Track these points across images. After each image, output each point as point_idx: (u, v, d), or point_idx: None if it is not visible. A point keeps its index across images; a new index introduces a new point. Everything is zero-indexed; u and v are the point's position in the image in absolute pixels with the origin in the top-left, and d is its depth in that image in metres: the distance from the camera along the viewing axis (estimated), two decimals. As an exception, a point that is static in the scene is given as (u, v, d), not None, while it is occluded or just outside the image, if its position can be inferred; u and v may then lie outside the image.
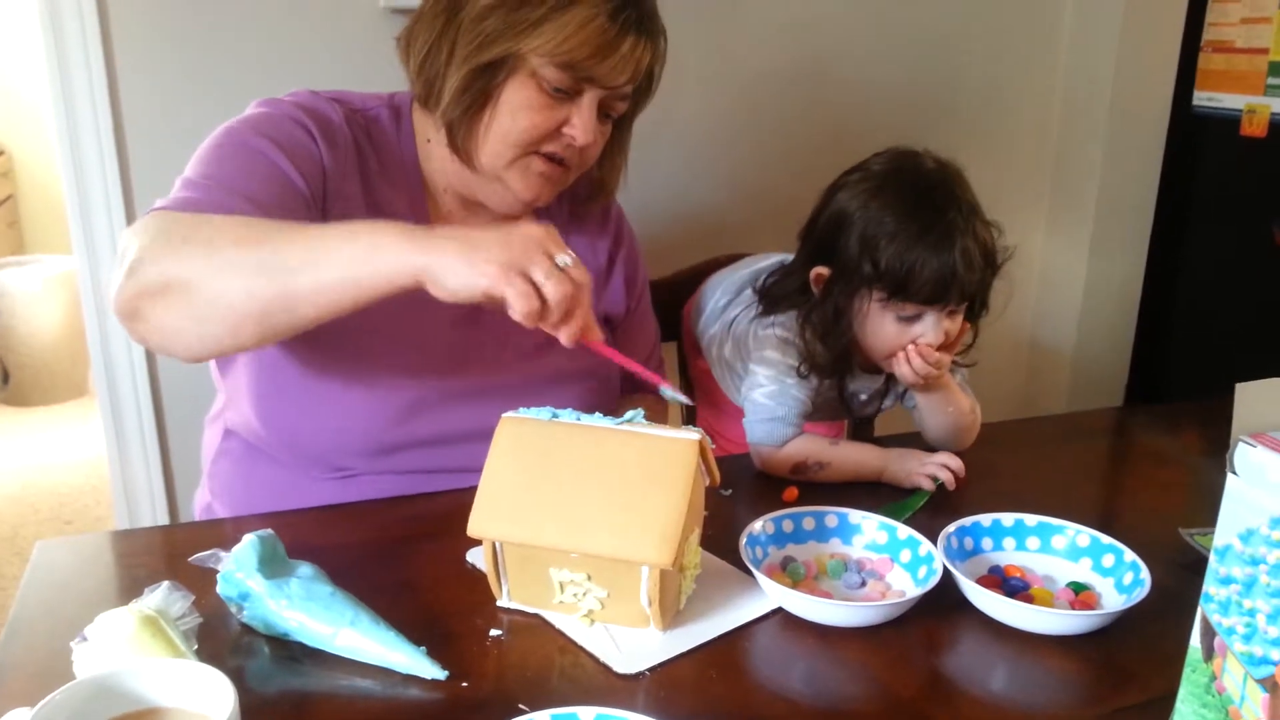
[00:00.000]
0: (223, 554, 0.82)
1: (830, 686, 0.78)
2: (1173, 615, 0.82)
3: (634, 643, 0.82)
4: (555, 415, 0.87)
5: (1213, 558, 0.65)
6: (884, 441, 1.21)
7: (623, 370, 1.26)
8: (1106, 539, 0.94)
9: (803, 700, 0.76)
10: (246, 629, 0.81)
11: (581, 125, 1.03)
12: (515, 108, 1.02)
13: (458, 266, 0.79)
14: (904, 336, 1.12)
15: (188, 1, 1.58)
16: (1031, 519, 0.97)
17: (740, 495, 1.11)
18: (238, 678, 0.61)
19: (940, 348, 1.12)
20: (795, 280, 1.21)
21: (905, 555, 0.93)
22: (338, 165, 1.04)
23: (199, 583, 0.81)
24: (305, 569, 0.82)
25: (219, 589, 0.81)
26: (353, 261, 0.81)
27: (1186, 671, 0.68)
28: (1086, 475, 1.25)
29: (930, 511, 1.07)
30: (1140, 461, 1.33)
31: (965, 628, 0.86)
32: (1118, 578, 0.91)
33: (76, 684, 0.59)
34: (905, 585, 0.91)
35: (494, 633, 0.83)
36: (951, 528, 0.94)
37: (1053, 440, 1.34)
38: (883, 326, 1.13)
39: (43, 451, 3.16)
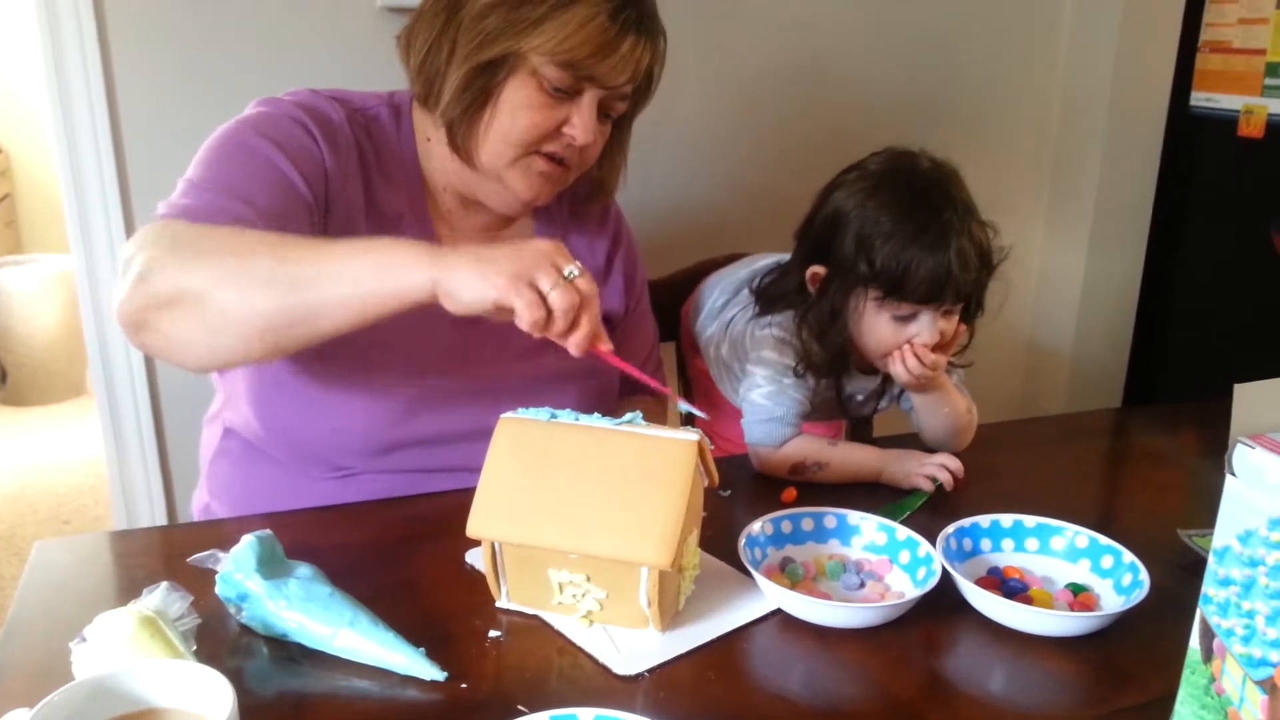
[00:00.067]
0: (221, 555, 0.82)
1: (829, 688, 0.78)
2: (1171, 616, 0.82)
3: (633, 644, 0.82)
4: (554, 416, 0.87)
5: (1211, 559, 0.65)
6: (882, 442, 1.21)
7: (621, 374, 1.26)
8: (1105, 540, 0.94)
9: (801, 701, 0.76)
10: (245, 630, 0.81)
11: (581, 125, 1.03)
12: (515, 107, 1.02)
13: (470, 279, 0.80)
14: (899, 336, 1.13)
15: (185, 1, 1.58)
16: (1030, 520, 0.97)
17: (739, 496, 1.11)
18: (236, 679, 0.61)
19: (936, 348, 1.12)
20: (792, 280, 1.21)
21: (904, 556, 0.93)
22: (339, 166, 1.04)
23: (198, 583, 0.81)
24: (304, 570, 0.82)
25: (218, 590, 0.81)
26: (369, 277, 0.82)
27: (1185, 673, 0.68)
28: (1085, 476, 1.25)
29: (929, 512, 1.07)
30: (1139, 462, 1.33)
31: (964, 629, 0.86)
32: (1116, 579, 0.91)
33: (75, 685, 0.59)
34: (904, 586, 0.91)
35: (493, 634, 0.83)
36: (950, 529, 0.94)
37: (1051, 441, 1.34)
38: (878, 326, 1.13)
39: (40, 451, 3.16)
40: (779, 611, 0.87)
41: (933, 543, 0.91)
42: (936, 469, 1.11)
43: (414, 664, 0.76)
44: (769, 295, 1.24)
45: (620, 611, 0.83)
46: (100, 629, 0.69)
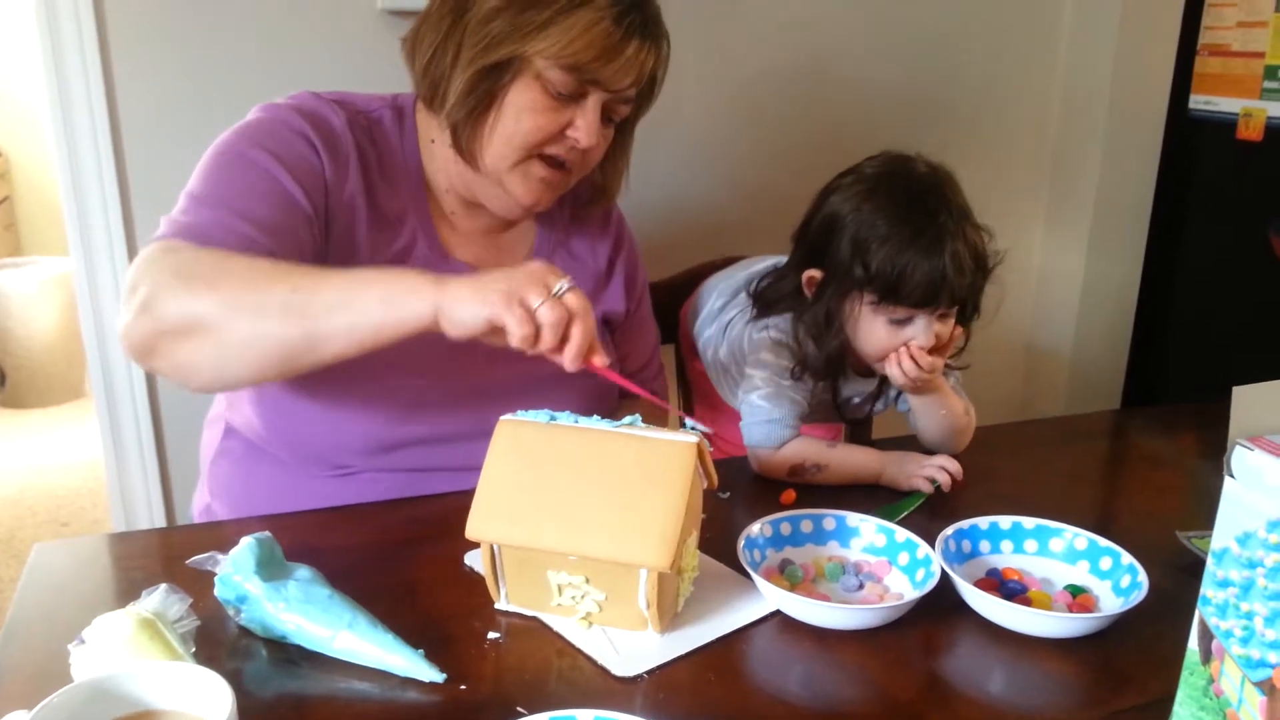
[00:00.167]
0: (220, 556, 0.82)
1: (828, 689, 0.78)
2: (1170, 618, 0.82)
3: (632, 645, 0.82)
4: (553, 418, 0.87)
5: (1210, 560, 0.65)
6: (881, 444, 1.22)
7: (621, 374, 1.26)
8: (1104, 542, 0.94)
9: (800, 703, 0.76)
10: (244, 632, 0.81)
11: (585, 127, 1.03)
12: (520, 109, 1.02)
13: (467, 298, 0.82)
14: (895, 339, 1.13)
15: (184, 3, 1.58)
16: (1029, 522, 0.97)
17: (738, 498, 1.11)
18: (235, 680, 0.61)
19: (932, 350, 1.13)
20: (788, 283, 1.21)
21: (903, 558, 0.93)
22: (339, 175, 1.05)
23: (196, 585, 0.81)
24: (303, 572, 0.82)
25: (217, 592, 0.81)
26: (375, 307, 0.84)
27: (1184, 674, 0.68)
28: (1084, 478, 1.25)
29: (928, 514, 1.07)
30: (1138, 464, 1.33)
31: (963, 630, 0.86)
32: (1115, 580, 0.91)
33: (74, 687, 0.59)
34: (903, 588, 0.91)
35: (492, 635, 0.83)
36: (949, 530, 0.94)
37: (1050, 443, 1.34)
38: (874, 329, 1.14)
39: (39, 454, 3.16)
40: (778, 613, 0.87)
41: (932, 544, 0.91)
42: (936, 470, 1.11)
43: (413, 666, 0.76)
44: (766, 298, 1.24)
45: (619, 613, 0.83)
46: (99, 631, 0.69)
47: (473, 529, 0.83)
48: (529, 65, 1.01)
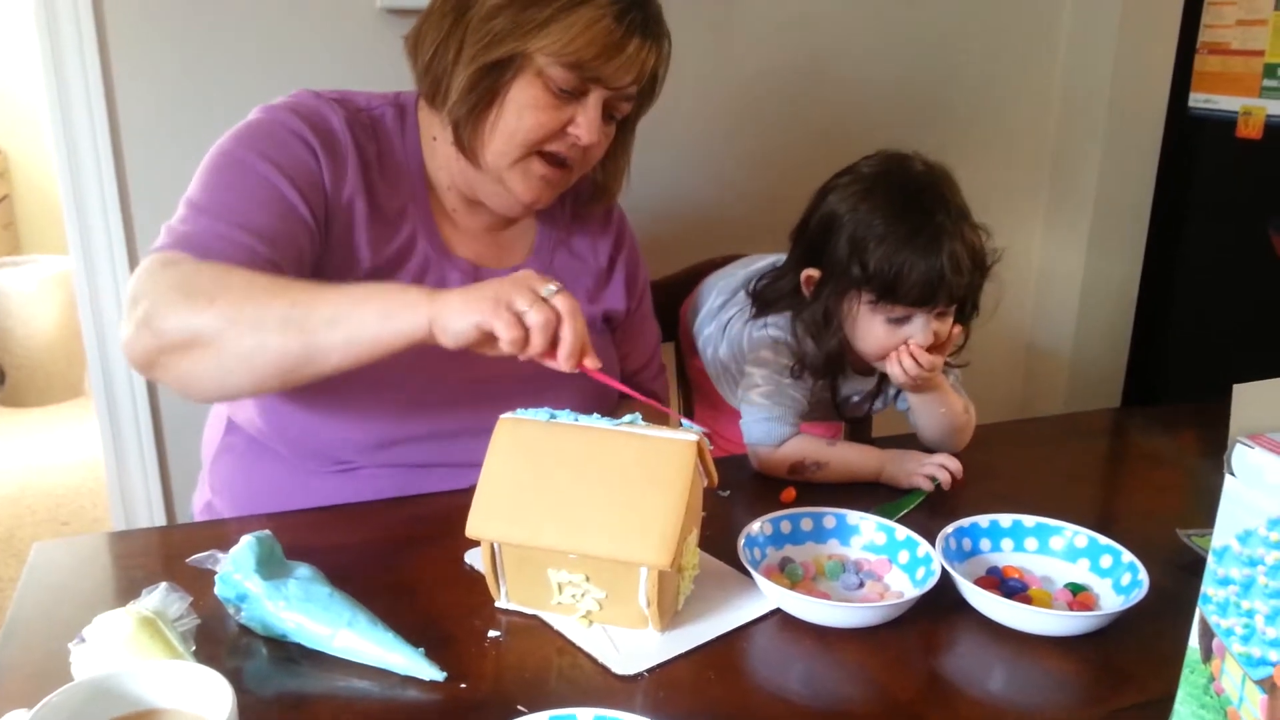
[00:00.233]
0: (220, 555, 0.82)
1: (828, 687, 0.78)
2: (1170, 616, 0.82)
3: (632, 644, 0.82)
4: (553, 416, 0.87)
5: (1211, 559, 0.65)
6: (881, 442, 1.21)
7: (622, 374, 1.27)
8: (1104, 540, 0.94)
9: (801, 701, 0.76)
10: (244, 630, 0.81)
11: (586, 125, 1.04)
12: (521, 106, 1.03)
13: (457, 306, 0.84)
14: (894, 338, 1.13)
15: (184, 2, 1.58)
16: (1029, 520, 0.97)
17: (738, 496, 1.11)
18: (235, 679, 0.61)
19: (930, 349, 1.13)
20: (787, 282, 1.21)
21: (903, 556, 0.93)
22: (336, 177, 1.05)
23: (197, 584, 0.81)
24: (303, 570, 0.82)
25: (217, 590, 0.81)
26: (373, 321, 0.86)
27: (1185, 672, 0.68)
28: (1084, 476, 1.25)
29: (928, 512, 1.07)
30: (1138, 463, 1.33)
31: (963, 629, 0.86)
32: (1115, 579, 0.91)
33: (74, 685, 0.59)
34: (903, 586, 0.91)
35: (492, 634, 0.83)
36: (949, 529, 0.94)
37: (1050, 441, 1.34)
38: (872, 328, 1.14)
39: (39, 453, 3.16)
40: (778, 611, 0.87)
41: (932, 543, 0.91)
42: (936, 469, 1.11)
43: (413, 664, 0.76)
44: (765, 298, 1.24)
45: (619, 611, 0.83)
46: (99, 630, 0.69)
47: (473, 527, 0.83)
48: (530, 62, 1.01)
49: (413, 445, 1.08)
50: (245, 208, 0.98)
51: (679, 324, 1.51)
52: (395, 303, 0.86)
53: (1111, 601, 0.89)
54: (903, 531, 0.95)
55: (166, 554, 0.95)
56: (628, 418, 0.87)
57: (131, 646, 0.68)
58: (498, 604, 0.87)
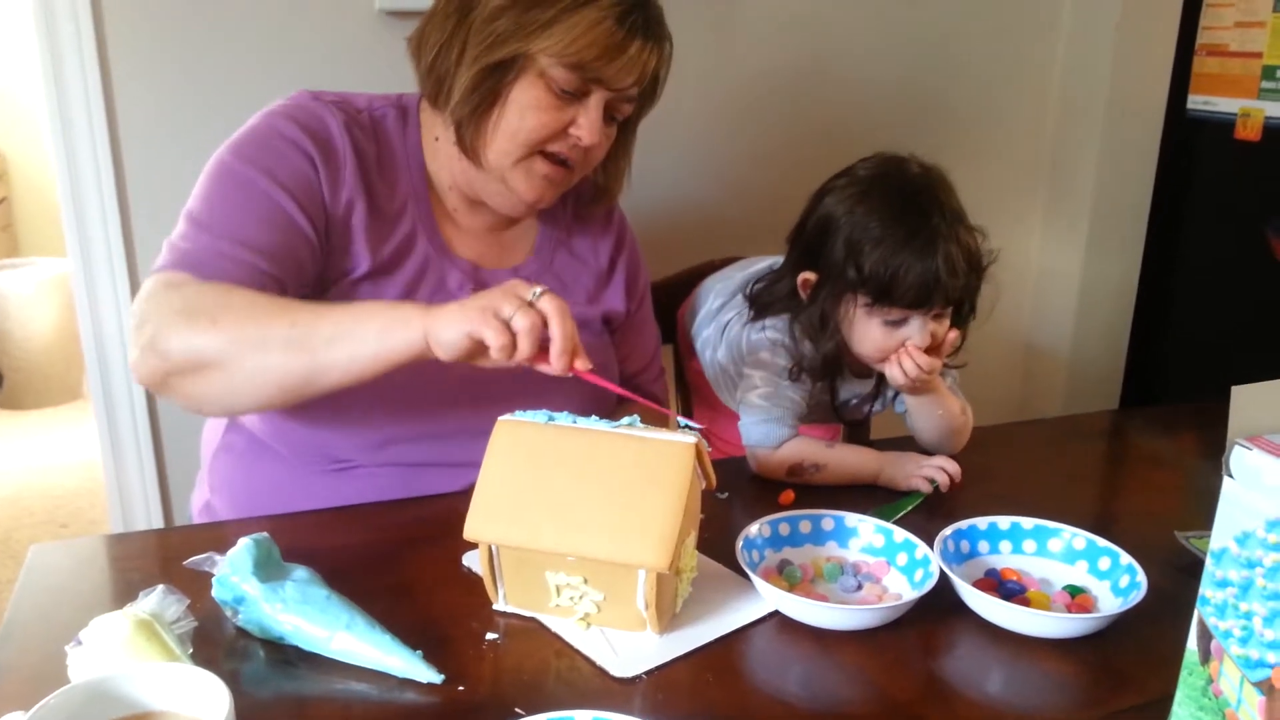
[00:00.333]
0: (218, 557, 0.81)
1: (827, 690, 0.78)
2: (1169, 618, 0.82)
3: (630, 646, 0.81)
4: (552, 418, 0.87)
5: (1209, 561, 0.65)
6: (880, 445, 1.21)
7: (621, 376, 1.27)
8: (1103, 542, 0.94)
9: (799, 703, 0.76)
10: (242, 633, 0.81)
11: (588, 125, 1.04)
12: (524, 107, 1.03)
13: (447, 318, 0.86)
14: (891, 340, 1.13)
15: (183, 4, 1.58)
16: (1028, 522, 0.97)
17: (736, 498, 1.11)
18: (233, 681, 0.61)
19: (927, 350, 1.13)
20: (784, 286, 1.22)
21: (901, 558, 0.93)
22: (334, 183, 1.06)
23: (194, 586, 0.81)
24: (301, 572, 0.82)
25: (214, 592, 0.81)
26: (373, 338, 0.89)
27: (1183, 674, 0.68)
28: (1082, 478, 1.25)
29: (926, 515, 1.07)
30: (1136, 464, 1.33)
31: (962, 631, 0.86)
32: (1114, 581, 0.91)
33: (71, 688, 0.59)
34: (901, 588, 0.91)
35: (490, 636, 0.83)
36: (948, 531, 0.94)
37: (1049, 443, 1.34)
38: (869, 331, 1.14)
39: (37, 455, 3.16)
40: (776, 613, 0.87)
41: (930, 545, 0.91)
42: (934, 471, 1.11)
43: (411, 667, 0.76)
44: (762, 301, 1.24)
45: (618, 614, 0.83)
46: (96, 632, 0.69)
47: (471, 530, 0.83)
48: (533, 63, 1.02)
49: (411, 444, 1.08)
50: (246, 224, 1.00)
51: (677, 326, 1.51)
52: (392, 319, 0.89)
53: (1110, 603, 0.89)
54: (901, 534, 0.94)
55: (164, 556, 0.95)
56: (626, 420, 0.87)
57: (129, 649, 0.68)
58: (495, 606, 0.87)
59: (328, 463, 1.08)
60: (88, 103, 1.56)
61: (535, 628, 0.84)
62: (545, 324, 0.86)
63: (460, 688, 0.75)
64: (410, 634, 0.79)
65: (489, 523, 0.83)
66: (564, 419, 0.87)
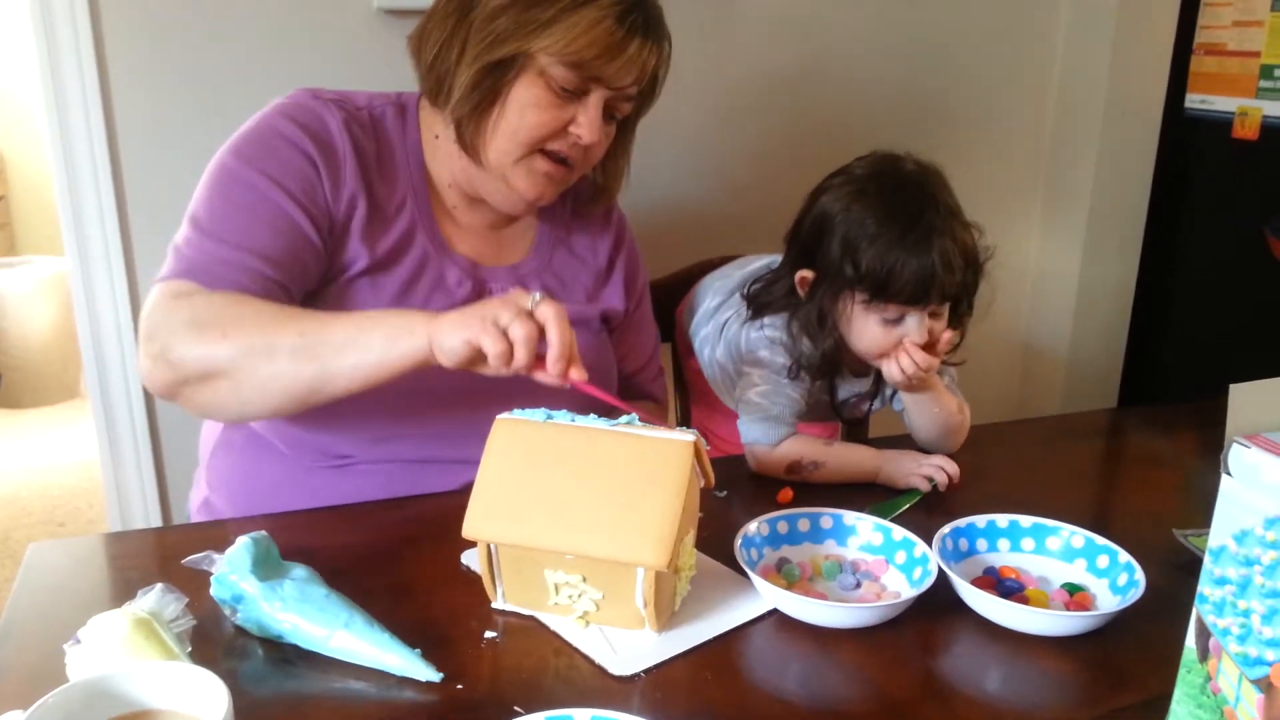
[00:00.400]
0: (216, 556, 0.81)
1: (825, 688, 0.78)
2: (1167, 616, 0.82)
3: (629, 644, 0.81)
4: (550, 416, 0.87)
5: (1207, 558, 0.65)
6: (878, 443, 1.21)
7: (620, 375, 1.27)
8: (1101, 540, 0.94)
9: (798, 701, 0.76)
10: (240, 631, 0.81)
11: (587, 124, 1.05)
12: (524, 105, 1.04)
13: (449, 325, 0.88)
14: (888, 337, 1.13)
15: (180, 3, 1.58)
16: (1026, 520, 0.97)
17: (735, 497, 1.11)
18: (231, 680, 0.61)
19: (924, 348, 1.13)
20: (782, 284, 1.22)
21: (900, 556, 0.93)
22: (335, 182, 1.06)
23: (192, 585, 0.81)
24: (299, 571, 0.82)
25: (212, 591, 0.81)
26: (378, 345, 0.91)
27: (1181, 672, 0.68)
28: (1081, 476, 1.26)
29: (925, 513, 1.07)
30: (1134, 463, 1.33)
31: (960, 629, 0.86)
32: (1112, 579, 0.91)
33: (69, 687, 0.59)
34: (900, 586, 0.91)
35: (489, 635, 0.83)
36: (946, 529, 0.94)
37: (1047, 441, 1.34)
38: (867, 327, 1.14)
39: (35, 454, 3.15)
40: (775, 612, 0.87)
41: (929, 543, 0.91)
42: (934, 469, 1.11)
43: (409, 665, 0.76)
44: (760, 301, 1.24)
45: (616, 612, 0.83)
46: (95, 631, 0.69)
47: (469, 528, 0.83)
48: (533, 62, 1.02)
49: (410, 440, 1.08)
50: (250, 230, 1.00)
51: (675, 325, 1.51)
52: (398, 326, 0.91)
53: (1108, 601, 0.89)
54: (899, 532, 0.95)
55: (162, 555, 0.95)
56: (624, 418, 0.87)
57: (127, 647, 0.68)
58: (494, 605, 0.87)
59: (327, 459, 1.08)
60: (85, 101, 1.56)
61: (534, 626, 0.84)
62: (543, 332, 0.88)
63: (459, 686, 0.75)
64: (409, 632, 0.79)
65: (487, 521, 0.83)
66: (562, 417, 0.87)
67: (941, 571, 0.88)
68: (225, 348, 0.92)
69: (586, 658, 0.80)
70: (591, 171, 1.17)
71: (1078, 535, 0.95)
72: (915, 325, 1.12)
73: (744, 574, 0.88)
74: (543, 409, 0.88)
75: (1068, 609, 0.88)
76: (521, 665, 0.79)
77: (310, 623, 0.78)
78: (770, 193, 1.97)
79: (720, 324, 1.35)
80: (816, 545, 0.97)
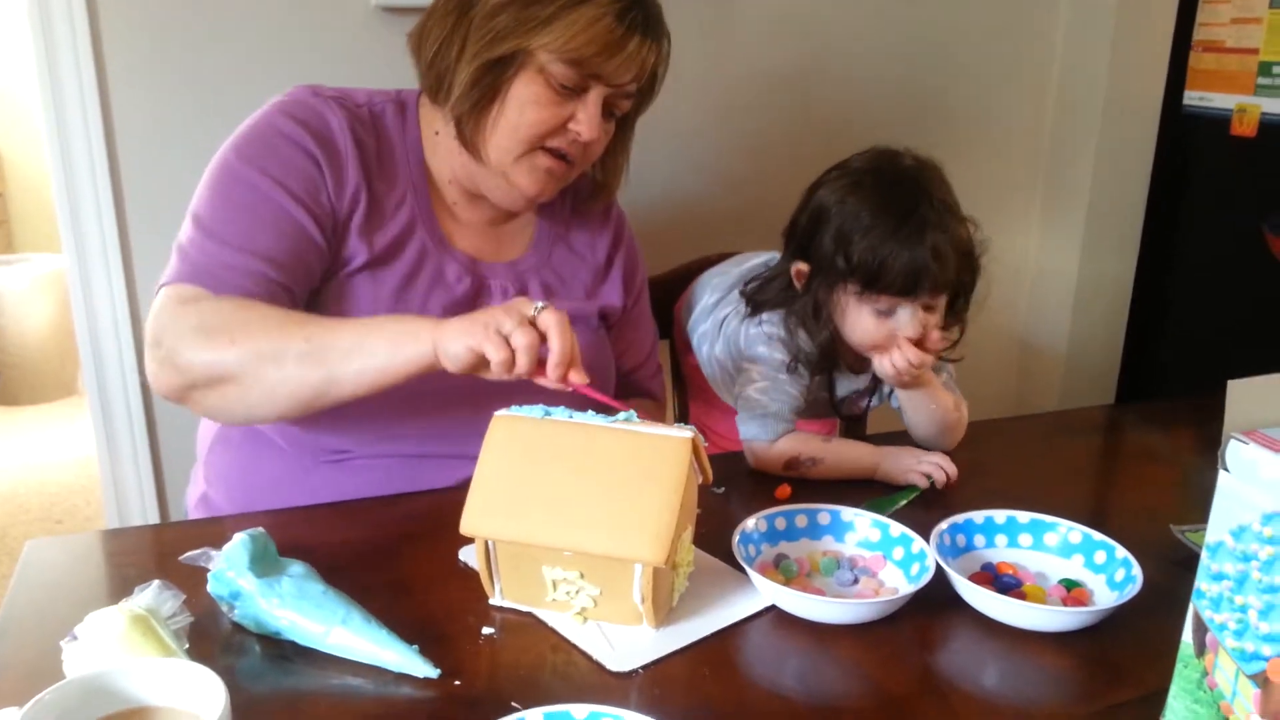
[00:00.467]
0: (213, 553, 0.81)
1: (823, 684, 0.78)
2: (1164, 611, 0.82)
3: (627, 640, 0.81)
4: (548, 413, 0.87)
5: (1204, 554, 0.65)
6: (876, 440, 1.21)
7: (619, 372, 1.27)
8: (1098, 536, 0.94)
9: (796, 697, 0.76)
10: (238, 628, 0.81)
11: (587, 121, 1.05)
12: (523, 103, 1.04)
13: (456, 332, 0.89)
14: (882, 330, 1.13)
15: (178, 2, 1.58)
16: (1024, 516, 0.97)
17: (733, 493, 1.11)
18: (229, 677, 0.61)
19: (918, 344, 1.13)
20: (780, 280, 1.22)
21: (898, 552, 0.94)
22: (338, 180, 1.06)
23: (190, 582, 0.81)
24: (296, 567, 0.82)
25: (210, 588, 0.81)
26: (384, 350, 0.92)
27: (1178, 667, 0.68)
28: (1078, 472, 1.26)
29: (922, 509, 1.07)
30: (1132, 459, 1.34)
31: (958, 625, 0.86)
32: (1110, 574, 0.91)
33: (66, 683, 0.59)
34: (898, 582, 0.91)
35: (486, 631, 0.83)
36: (944, 525, 0.94)
37: (1045, 437, 1.34)
38: (860, 319, 1.14)
39: (32, 451, 3.15)
40: (773, 608, 0.87)
41: (926, 539, 0.91)
42: (932, 467, 1.11)
43: (407, 661, 0.76)
44: (758, 299, 1.24)
45: (614, 608, 0.83)
46: (92, 627, 0.69)
47: (467, 524, 0.83)
48: (532, 59, 1.03)
49: (408, 436, 1.08)
50: (253, 231, 1.00)
51: (673, 321, 1.51)
52: (403, 332, 0.92)
53: (1105, 597, 0.89)
54: (897, 528, 0.95)
55: (159, 552, 0.95)
56: (622, 415, 0.87)
57: (124, 644, 0.68)
58: (492, 601, 0.87)
59: (325, 454, 1.08)
60: (83, 99, 1.56)
61: (532, 622, 0.84)
62: (545, 339, 0.89)
63: (457, 682, 0.75)
64: (406, 629, 0.79)
65: (485, 517, 0.83)
66: (560, 414, 0.87)
67: (939, 567, 0.88)
68: (233, 353, 0.92)
69: (584, 654, 0.80)
70: (591, 168, 1.18)
71: (1075, 531, 0.95)
72: (908, 318, 1.12)
73: (742, 570, 0.88)
74: (540, 405, 0.88)
75: (1065, 605, 0.88)
76: (519, 661, 0.79)
77: (308, 619, 0.77)
78: (769, 190, 1.97)
79: (719, 320, 1.35)
80: (814, 541, 0.97)
